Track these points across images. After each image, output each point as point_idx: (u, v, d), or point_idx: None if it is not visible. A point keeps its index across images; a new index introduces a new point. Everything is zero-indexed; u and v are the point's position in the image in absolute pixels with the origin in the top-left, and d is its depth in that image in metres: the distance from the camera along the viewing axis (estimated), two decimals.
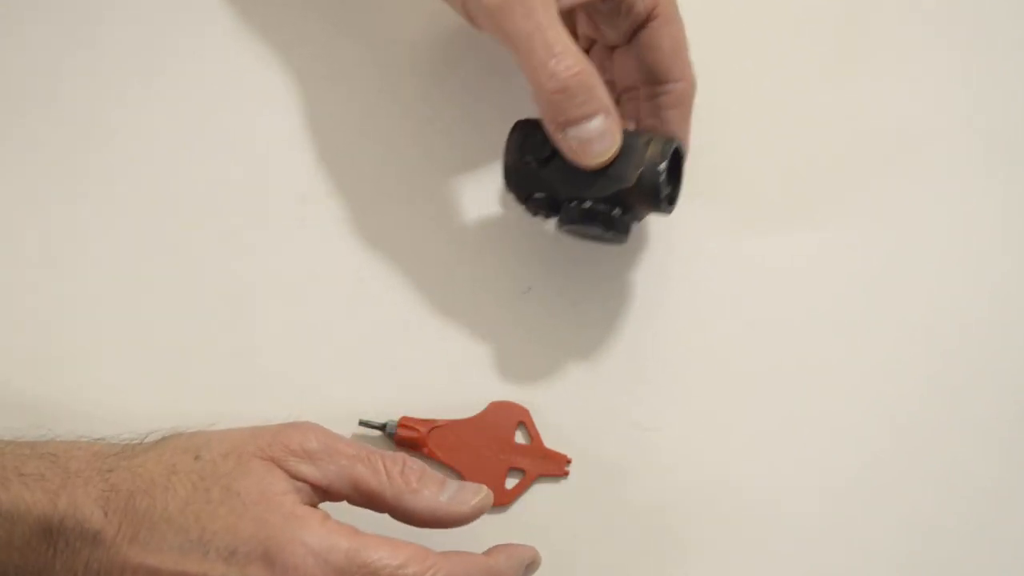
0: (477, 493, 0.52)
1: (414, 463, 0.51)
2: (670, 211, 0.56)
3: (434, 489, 0.51)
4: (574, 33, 0.60)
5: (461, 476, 0.58)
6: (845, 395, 0.60)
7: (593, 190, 0.54)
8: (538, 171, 0.54)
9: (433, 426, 0.58)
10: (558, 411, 0.59)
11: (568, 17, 0.52)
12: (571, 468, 0.58)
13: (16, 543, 0.48)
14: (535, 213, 0.56)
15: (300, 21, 0.65)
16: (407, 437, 0.58)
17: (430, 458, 0.58)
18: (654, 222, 0.62)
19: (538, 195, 0.55)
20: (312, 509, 0.49)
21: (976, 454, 0.59)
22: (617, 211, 0.54)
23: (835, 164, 0.64)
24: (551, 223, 0.57)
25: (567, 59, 0.51)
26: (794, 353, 0.61)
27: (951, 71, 0.66)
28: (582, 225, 0.55)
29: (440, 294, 0.61)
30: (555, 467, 0.58)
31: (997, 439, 0.59)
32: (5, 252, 0.61)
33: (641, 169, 0.54)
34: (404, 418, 0.58)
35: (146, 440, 0.51)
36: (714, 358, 0.60)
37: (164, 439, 0.51)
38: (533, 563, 0.54)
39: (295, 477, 0.49)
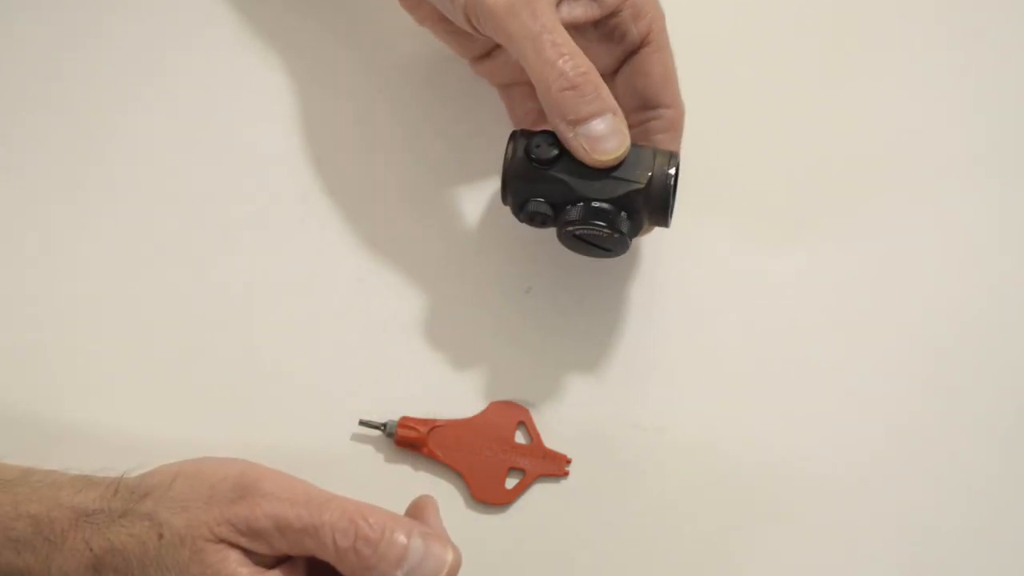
0: (441, 563, 0.49)
1: (371, 526, 0.48)
2: (668, 224, 0.56)
3: (392, 561, 0.49)
4: None
5: (461, 476, 0.58)
6: (844, 395, 0.60)
7: (603, 191, 0.54)
8: (543, 172, 0.54)
9: (433, 426, 0.58)
10: (558, 411, 0.59)
11: None
12: (571, 468, 0.58)
13: None
14: (531, 220, 0.56)
15: (301, 24, 0.65)
16: (407, 437, 0.58)
17: (430, 458, 0.58)
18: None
19: (537, 200, 0.55)
20: None
21: (975, 454, 0.59)
22: (624, 214, 0.54)
23: (832, 169, 0.64)
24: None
25: (576, 58, 0.52)
26: (793, 354, 0.61)
27: (948, 74, 0.66)
28: (587, 226, 0.54)
29: (440, 294, 0.61)
30: (555, 467, 0.58)
31: (997, 439, 0.59)
32: (5, 253, 0.61)
33: (651, 173, 0.54)
34: (404, 418, 0.58)
35: (121, 482, 0.51)
36: (714, 358, 0.60)
37: (133, 495, 0.50)
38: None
39: (248, 553, 0.49)
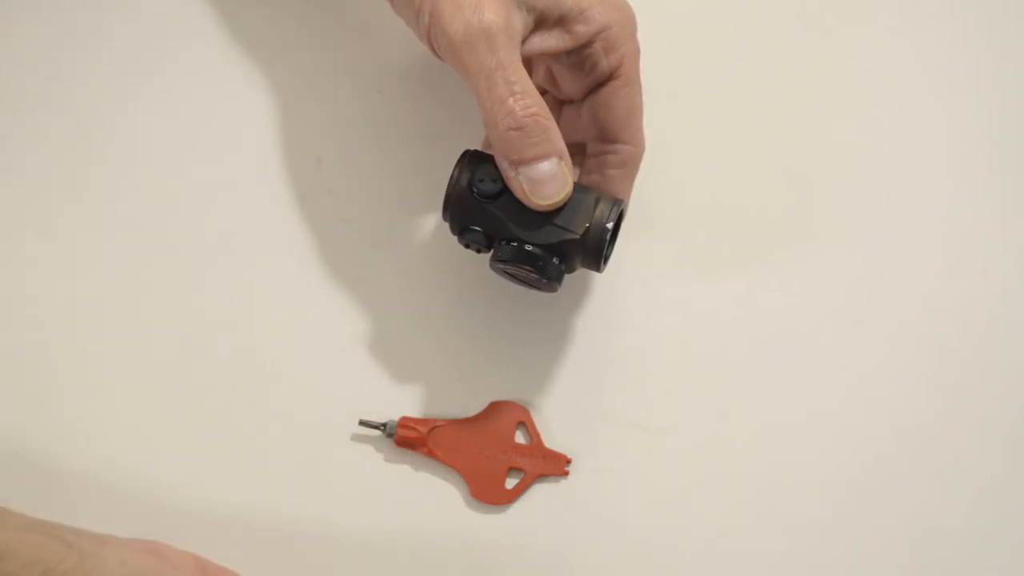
0: None
1: None
2: (602, 271, 0.55)
3: None
4: None
5: (461, 476, 0.58)
6: (846, 395, 0.60)
7: (538, 235, 0.53)
8: (483, 205, 0.54)
9: (433, 426, 0.58)
10: (558, 411, 0.59)
11: (525, 66, 0.53)
12: (571, 468, 0.58)
13: None
14: (467, 245, 0.56)
15: (302, 25, 0.64)
16: (407, 437, 0.58)
17: (430, 458, 0.58)
18: (662, 223, 0.62)
19: (474, 229, 0.54)
20: None
21: (979, 454, 0.59)
22: (555, 260, 0.54)
23: (835, 169, 0.63)
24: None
25: (526, 99, 0.51)
26: (796, 353, 0.60)
27: (950, 71, 0.66)
28: (517, 266, 0.54)
29: (440, 293, 0.61)
30: (555, 467, 0.58)
31: (1001, 438, 0.59)
32: (5, 253, 0.61)
33: (588, 224, 0.53)
34: (404, 418, 0.58)
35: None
36: (715, 358, 0.60)
37: None
38: None
39: None
